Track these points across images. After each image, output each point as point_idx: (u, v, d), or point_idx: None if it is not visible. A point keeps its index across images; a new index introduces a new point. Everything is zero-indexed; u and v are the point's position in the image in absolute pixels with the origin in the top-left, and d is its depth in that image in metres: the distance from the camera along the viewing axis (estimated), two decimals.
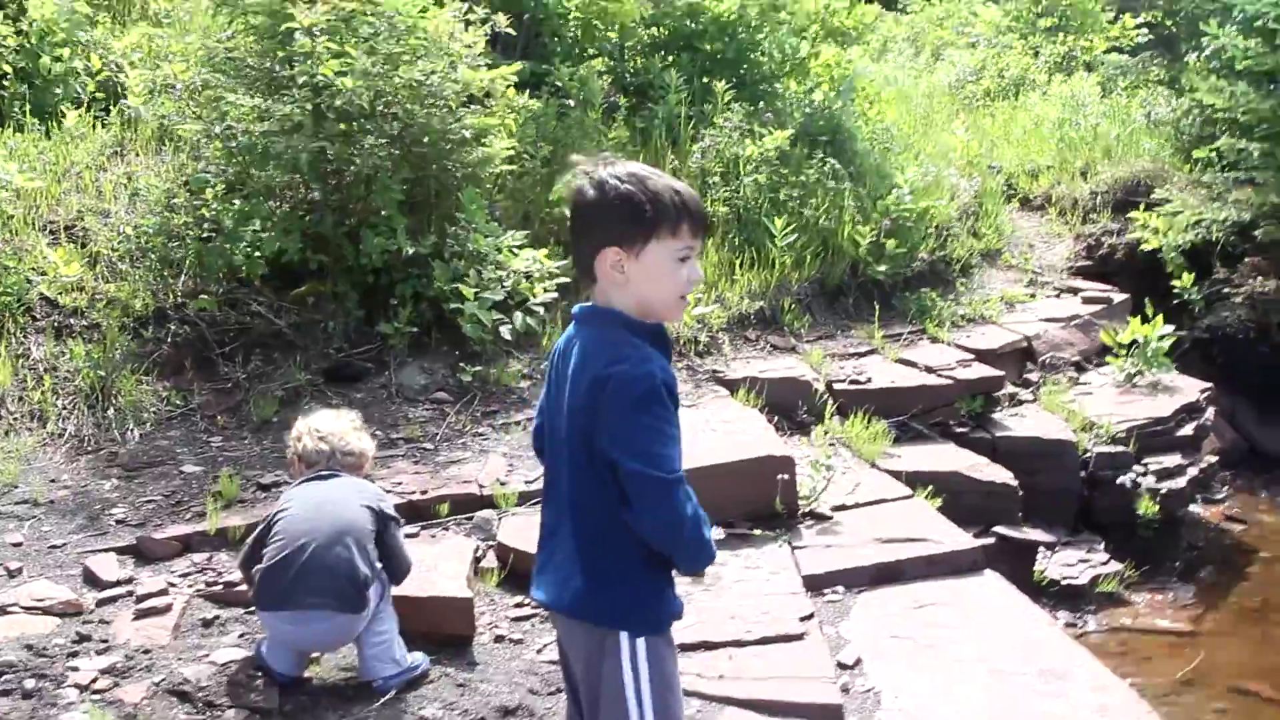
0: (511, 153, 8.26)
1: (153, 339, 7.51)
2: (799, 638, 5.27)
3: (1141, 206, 11.39)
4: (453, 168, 7.97)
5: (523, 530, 5.80)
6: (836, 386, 8.23)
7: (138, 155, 9.11)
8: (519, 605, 5.35)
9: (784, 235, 9.22)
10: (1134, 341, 9.52)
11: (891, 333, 9.35)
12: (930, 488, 7.08)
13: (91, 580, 5.42)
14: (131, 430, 6.92)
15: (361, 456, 4.96)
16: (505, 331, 7.53)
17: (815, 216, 9.65)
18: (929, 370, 8.60)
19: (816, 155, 10.04)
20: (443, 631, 5.06)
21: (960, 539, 6.40)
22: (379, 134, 7.49)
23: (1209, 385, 9.61)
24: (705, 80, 10.45)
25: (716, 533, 6.22)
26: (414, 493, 6.17)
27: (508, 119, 8.35)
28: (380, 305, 7.68)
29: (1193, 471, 8.71)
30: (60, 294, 7.66)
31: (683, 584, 5.62)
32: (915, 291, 9.91)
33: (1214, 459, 9.26)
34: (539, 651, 5.02)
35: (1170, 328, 9.52)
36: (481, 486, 6.21)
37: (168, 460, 6.67)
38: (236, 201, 7.79)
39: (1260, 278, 10.60)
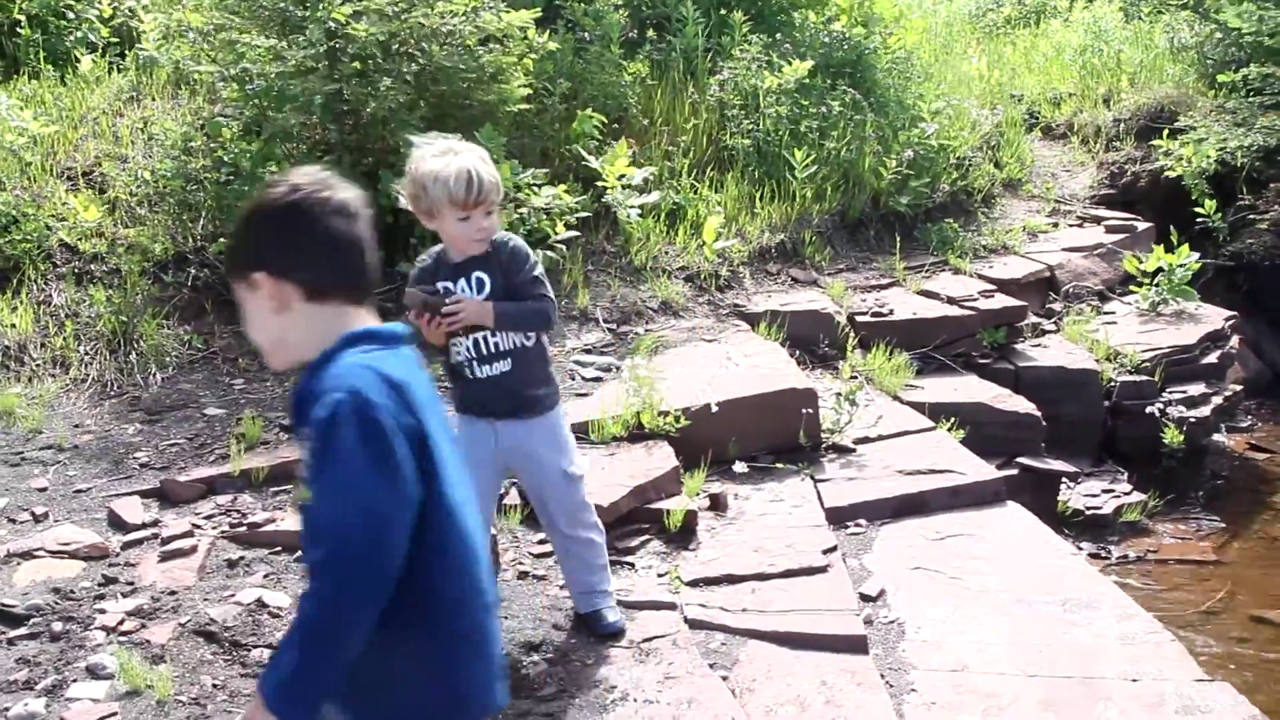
0: (529, 91, 8.20)
1: (173, 283, 7.51)
2: (822, 570, 5.28)
3: (1165, 134, 11.25)
4: (471, 106, 7.92)
5: None
6: (858, 319, 8.21)
7: (154, 100, 9.09)
8: (542, 542, 5.36)
9: (804, 168, 9.16)
10: (1158, 270, 9.46)
11: (913, 264, 9.30)
12: (953, 419, 7.06)
13: (117, 524, 5.44)
14: (154, 374, 6.94)
15: None
16: None
17: (836, 149, 9.59)
18: (951, 301, 8.57)
19: (837, 86, 9.95)
20: None
21: (983, 470, 6.39)
22: (396, 75, 7.44)
23: (1233, 314, 9.55)
24: (723, 12, 10.37)
25: (739, 467, 6.25)
26: None
27: (526, 57, 8.28)
28: (400, 245, 7.64)
29: (1217, 400, 8.67)
30: (80, 240, 7.67)
31: (705, 517, 5.68)
32: (937, 223, 9.84)
33: (1239, 388, 9.21)
34: (562, 588, 5.03)
35: (1195, 255, 9.44)
36: None
37: (190, 404, 6.69)
38: (253, 144, 7.76)
39: None
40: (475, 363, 4.33)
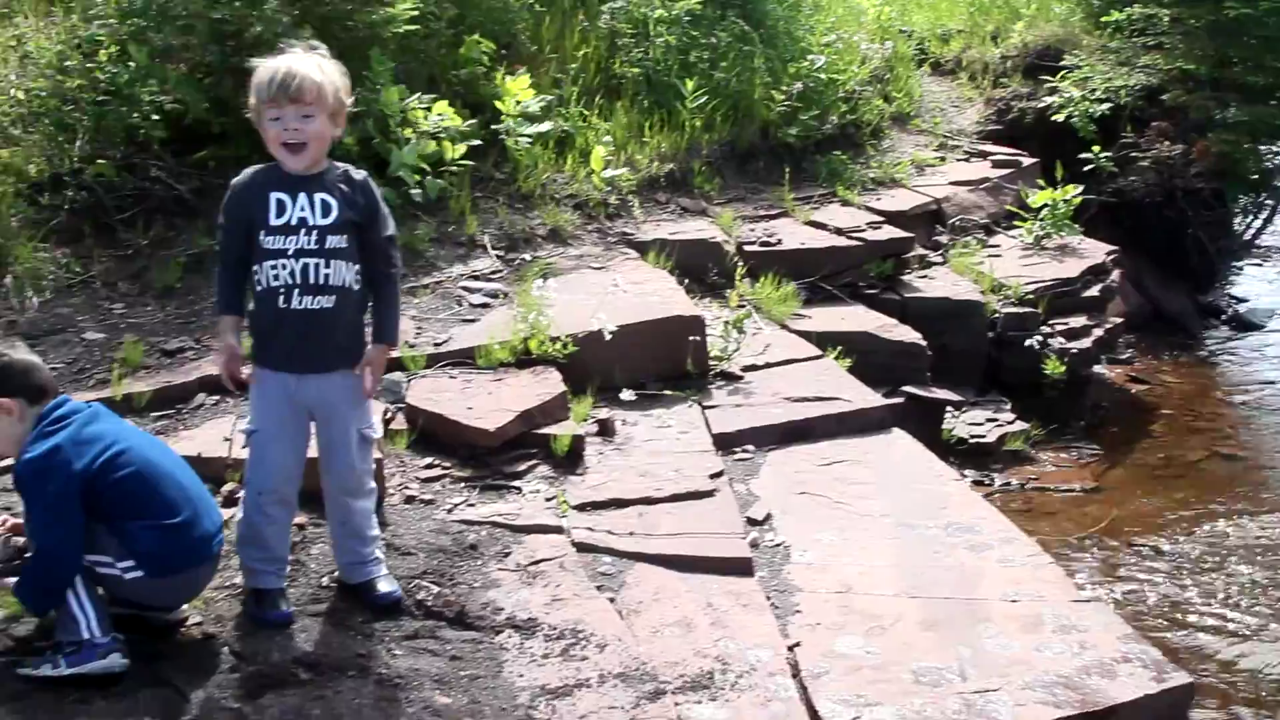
0: (416, 13, 8.04)
1: (49, 206, 7.27)
2: (709, 495, 5.29)
3: (1060, 76, 11.37)
4: (356, 28, 7.75)
5: (432, 392, 5.75)
6: (747, 249, 8.21)
7: (26, 18, 8.76)
8: (429, 467, 5.30)
9: (694, 98, 9.11)
10: (1043, 205, 9.56)
11: (802, 196, 9.30)
12: (840, 348, 7.10)
13: None
14: (30, 298, 6.72)
15: None
16: (414, 195, 7.39)
17: (726, 79, 9.55)
18: (839, 232, 8.60)
19: (727, 17, 9.90)
20: None
21: (869, 398, 6.44)
22: None
23: (1115, 249, 9.71)
24: None
25: (626, 394, 6.23)
26: None
27: None
28: None
29: (1098, 332, 8.83)
30: None
31: (593, 443, 5.66)
32: (826, 155, 9.86)
33: (1119, 320, 9.40)
34: (449, 511, 4.99)
35: (1078, 190, 9.57)
36: None
37: (69, 328, 6.50)
38: (131, 64, 7.53)
39: (1167, 142, 10.67)
40: (296, 291, 4.03)
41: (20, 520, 4.22)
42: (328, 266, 4.02)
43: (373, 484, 4.39)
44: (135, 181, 7.42)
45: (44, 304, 6.72)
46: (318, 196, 4.04)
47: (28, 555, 4.06)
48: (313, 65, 3.97)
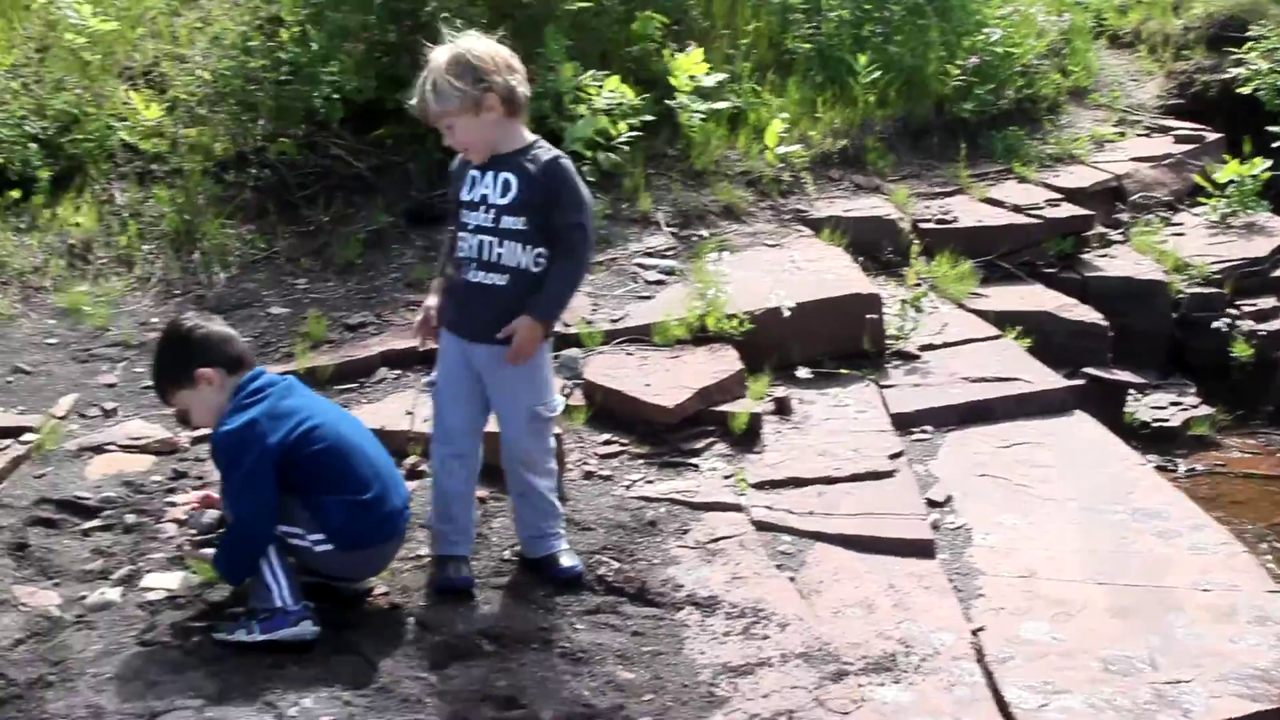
0: None
1: (234, 183, 7.49)
2: (889, 475, 5.24)
3: (1245, 47, 10.97)
4: (530, 5, 7.80)
5: (609, 368, 5.79)
6: (922, 226, 8.11)
7: None
8: (607, 443, 5.33)
9: (867, 72, 8.99)
10: (1229, 181, 9.25)
11: (977, 172, 9.14)
12: (1019, 328, 6.96)
13: (184, 419, 5.43)
14: (217, 274, 6.94)
15: None
16: (587, 172, 7.43)
17: (899, 53, 9.41)
18: (1017, 209, 8.44)
19: None
20: None
21: (1050, 379, 6.32)
22: None
23: None
24: None
25: (803, 372, 6.19)
26: None
27: None
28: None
29: None
30: (141, 140, 7.64)
31: (770, 421, 5.63)
32: (1001, 130, 9.66)
33: None
34: (628, 488, 5.01)
35: (1268, 164, 9.23)
36: (566, 325, 6.15)
37: (254, 303, 6.69)
38: (313, 44, 7.68)
39: None
40: (474, 266, 4.14)
41: (213, 493, 4.34)
42: (500, 246, 4.09)
43: (552, 462, 4.41)
44: (316, 159, 7.60)
45: (230, 279, 6.92)
46: (503, 176, 4.09)
47: (222, 529, 4.18)
48: (435, 77, 3.98)
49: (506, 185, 4.08)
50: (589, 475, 5.11)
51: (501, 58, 4.05)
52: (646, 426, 5.47)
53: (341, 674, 3.78)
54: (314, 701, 3.62)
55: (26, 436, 5.23)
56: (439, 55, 4.00)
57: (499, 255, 4.09)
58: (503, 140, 4.10)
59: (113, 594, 4.15)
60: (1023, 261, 8.14)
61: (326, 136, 7.68)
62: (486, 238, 4.09)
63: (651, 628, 4.14)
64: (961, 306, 7.30)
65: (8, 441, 5.21)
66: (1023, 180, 9.12)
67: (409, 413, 5.16)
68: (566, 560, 4.36)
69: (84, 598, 4.14)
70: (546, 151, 4.14)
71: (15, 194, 7.25)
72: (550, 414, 4.32)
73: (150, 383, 5.66)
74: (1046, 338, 7.10)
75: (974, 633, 4.25)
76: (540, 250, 4.11)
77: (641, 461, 5.27)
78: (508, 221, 4.08)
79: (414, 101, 4.03)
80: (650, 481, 5.11)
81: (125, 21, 8.53)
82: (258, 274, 6.98)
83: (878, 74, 9.09)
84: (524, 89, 4.10)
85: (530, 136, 4.17)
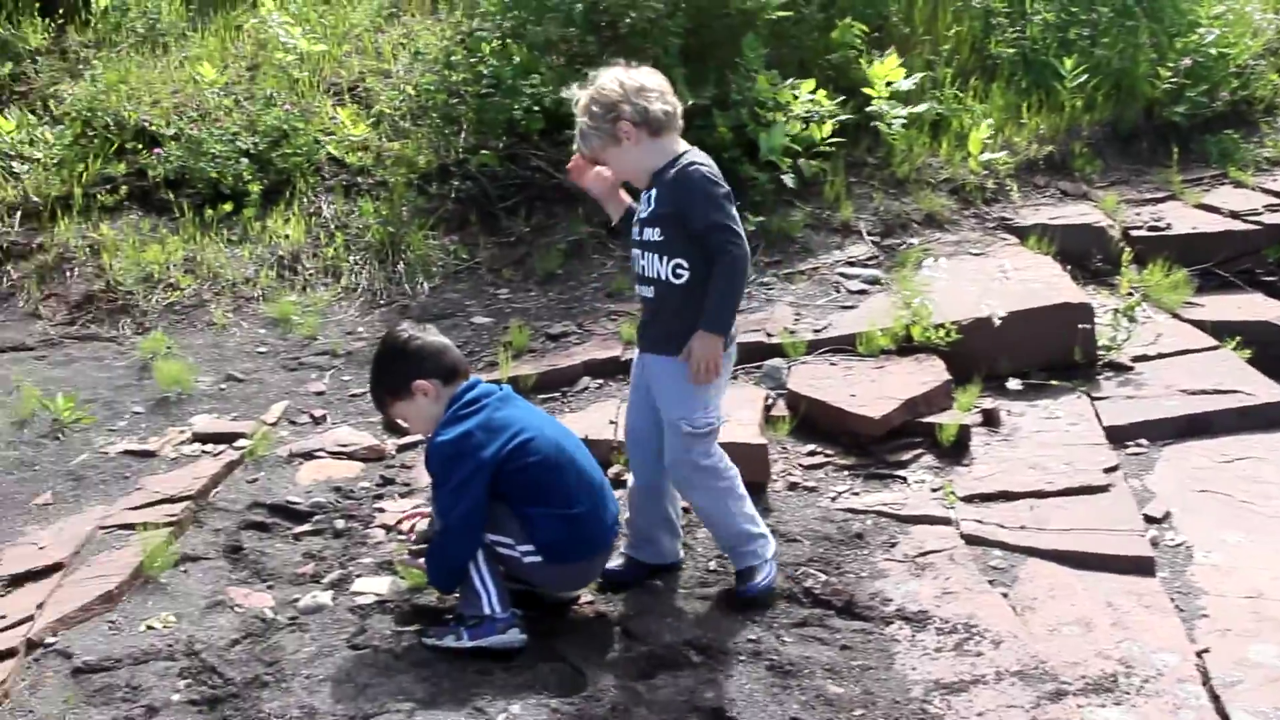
0: None
1: (437, 195, 7.64)
2: (1103, 489, 5.07)
3: None
4: (729, 15, 7.80)
5: (813, 378, 5.74)
6: (1133, 233, 7.85)
7: (413, 16, 9.21)
8: (811, 454, 5.29)
9: (1074, 76, 8.76)
10: None
11: (1190, 178, 8.82)
12: (1237, 338, 6.68)
13: (391, 427, 5.55)
14: (421, 284, 7.07)
15: None
16: (787, 179, 7.38)
17: (1107, 56, 9.15)
18: (1234, 215, 8.11)
19: None
20: None
21: (1274, 391, 6.04)
22: None
23: None
24: None
25: (1012, 383, 6.04)
26: None
27: None
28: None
29: None
30: (347, 153, 7.84)
31: (979, 433, 5.50)
32: (1215, 134, 9.31)
33: None
34: (833, 500, 4.95)
35: None
36: (769, 335, 6.13)
37: (457, 312, 6.80)
38: (514, 58, 7.78)
39: None
40: (637, 278, 4.30)
41: (424, 507, 4.41)
42: (643, 259, 4.21)
43: (715, 480, 4.29)
44: (517, 170, 7.69)
45: (434, 289, 7.05)
46: (652, 191, 4.19)
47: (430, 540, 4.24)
48: (578, 123, 4.19)
49: (649, 200, 4.19)
50: (794, 486, 5.07)
51: (631, 83, 4.12)
52: (851, 437, 5.42)
53: (549, 681, 3.81)
54: (522, 708, 3.64)
55: (240, 442, 5.41)
56: (579, 99, 4.19)
57: (643, 268, 4.21)
58: (655, 159, 4.18)
59: (324, 597, 4.26)
60: (1241, 269, 7.81)
61: (527, 148, 7.79)
62: (637, 251, 4.23)
63: (860, 642, 4.08)
64: (1176, 316, 7.05)
65: (222, 447, 5.39)
66: (1239, 185, 8.76)
67: (612, 422, 5.18)
68: (749, 579, 4.28)
69: (296, 600, 4.26)
70: (684, 160, 4.16)
71: (228, 207, 7.51)
72: (696, 430, 4.20)
73: (359, 390, 5.83)
74: (1267, 349, 6.77)
75: (1198, 654, 4.08)
76: (678, 261, 4.13)
77: (847, 473, 5.21)
78: (648, 234, 4.18)
79: (577, 120, 4.18)
80: (856, 493, 5.05)
81: (332, 39, 8.78)
82: (460, 284, 7.10)
83: (1084, 78, 8.85)
84: (661, 105, 4.14)
85: (681, 148, 4.22)
